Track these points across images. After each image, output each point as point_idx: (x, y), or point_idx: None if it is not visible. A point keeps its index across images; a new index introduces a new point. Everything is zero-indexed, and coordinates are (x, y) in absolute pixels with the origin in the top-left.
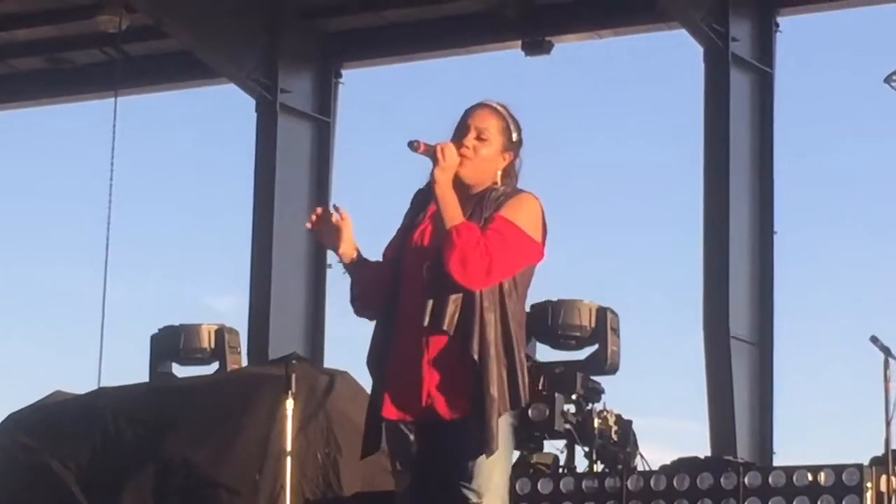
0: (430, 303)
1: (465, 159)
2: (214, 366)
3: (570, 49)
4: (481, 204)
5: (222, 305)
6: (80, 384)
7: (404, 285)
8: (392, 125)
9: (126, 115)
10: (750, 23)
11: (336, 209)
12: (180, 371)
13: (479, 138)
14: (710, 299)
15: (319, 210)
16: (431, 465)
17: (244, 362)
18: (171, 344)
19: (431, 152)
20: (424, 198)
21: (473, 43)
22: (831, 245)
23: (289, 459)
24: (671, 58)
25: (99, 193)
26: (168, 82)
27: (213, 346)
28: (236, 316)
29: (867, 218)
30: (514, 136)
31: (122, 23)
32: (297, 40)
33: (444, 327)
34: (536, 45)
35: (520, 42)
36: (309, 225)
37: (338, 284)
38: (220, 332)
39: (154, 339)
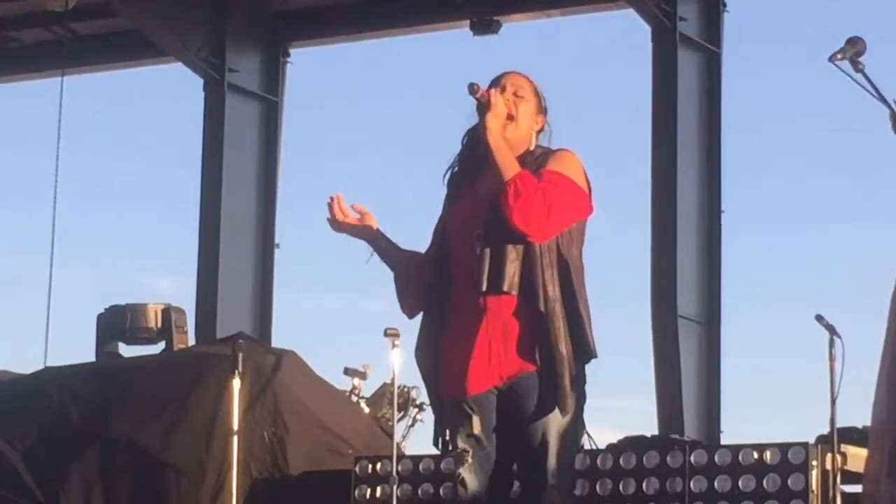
0: (486, 267)
1: (507, 120)
2: (161, 345)
3: (519, 29)
4: (522, 166)
5: (164, 285)
6: (26, 364)
7: (454, 263)
8: (340, 105)
9: (73, 94)
10: (697, 2)
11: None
12: (127, 350)
13: (516, 95)
14: (658, 278)
15: (334, 198)
16: (503, 432)
17: (191, 342)
18: (117, 323)
19: (486, 98)
20: (460, 180)
21: (421, 22)
22: (778, 224)
23: (235, 439)
24: (619, 38)
25: (44, 172)
26: (115, 61)
27: (159, 325)
28: (178, 296)
29: (813, 197)
30: (544, 102)
31: (70, 1)
32: (245, 19)
33: (505, 288)
34: (484, 25)
35: (468, 22)
36: (332, 215)
37: (285, 263)
38: (167, 312)
39: (100, 318)
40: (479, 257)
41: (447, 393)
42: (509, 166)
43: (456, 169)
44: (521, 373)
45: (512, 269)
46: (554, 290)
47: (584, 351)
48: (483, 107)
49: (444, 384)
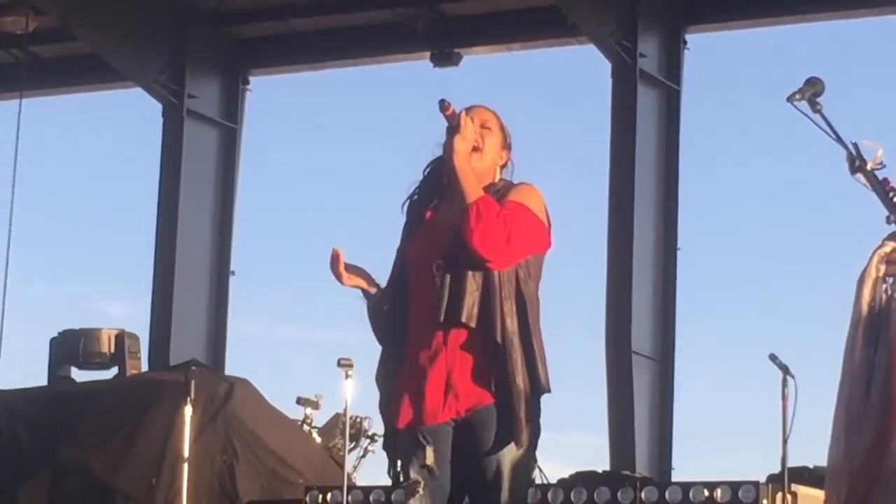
0: (446, 298)
1: (473, 151)
2: (114, 370)
3: (479, 61)
4: None
5: (118, 310)
6: None
7: (413, 292)
8: (299, 133)
9: (31, 117)
10: (658, 39)
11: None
12: (79, 375)
13: (483, 127)
14: (613, 314)
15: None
16: (458, 464)
17: (144, 367)
18: (70, 348)
19: (456, 119)
20: (419, 208)
21: (382, 53)
22: (734, 262)
23: (186, 466)
24: (579, 73)
25: (0, 194)
26: (74, 85)
27: (112, 350)
28: (132, 321)
29: (769, 234)
30: (509, 139)
31: (30, 24)
32: (205, 46)
33: (464, 320)
34: (445, 57)
35: (429, 53)
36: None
37: (240, 291)
38: (121, 337)
39: (53, 342)
40: (439, 288)
41: (403, 422)
42: (473, 190)
43: (415, 197)
44: (479, 405)
45: (471, 300)
46: (512, 323)
47: (537, 385)
48: (452, 129)
49: (400, 413)
